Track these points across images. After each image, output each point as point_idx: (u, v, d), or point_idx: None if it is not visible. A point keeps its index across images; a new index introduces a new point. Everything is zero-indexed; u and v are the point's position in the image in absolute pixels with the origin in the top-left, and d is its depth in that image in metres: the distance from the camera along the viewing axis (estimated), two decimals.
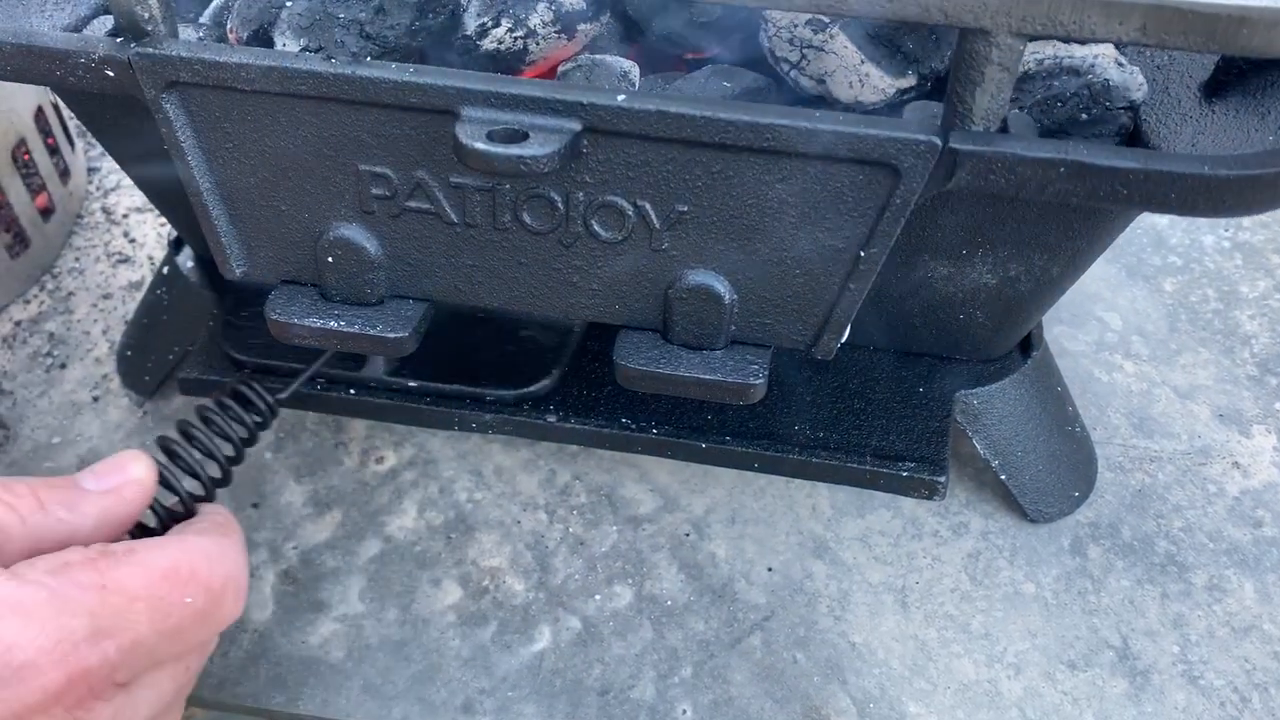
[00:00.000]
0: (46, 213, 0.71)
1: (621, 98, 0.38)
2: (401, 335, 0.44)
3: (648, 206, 0.41)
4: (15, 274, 0.69)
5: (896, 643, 0.54)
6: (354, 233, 0.43)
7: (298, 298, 0.45)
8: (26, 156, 0.69)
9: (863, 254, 0.40)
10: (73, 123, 0.77)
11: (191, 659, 0.41)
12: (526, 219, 0.42)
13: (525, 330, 0.56)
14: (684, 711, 0.52)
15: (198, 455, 0.48)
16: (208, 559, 0.40)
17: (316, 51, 0.43)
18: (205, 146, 0.42)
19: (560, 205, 0.41)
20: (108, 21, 0.44)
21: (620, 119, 0.38)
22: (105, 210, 0.75)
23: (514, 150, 0.37)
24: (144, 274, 0.71)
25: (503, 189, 0.41)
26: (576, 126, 0.39)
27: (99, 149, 0.80)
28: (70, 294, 0.70)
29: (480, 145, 0.37)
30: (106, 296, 0.70)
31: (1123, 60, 0.47)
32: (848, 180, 0.39)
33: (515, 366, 0.53)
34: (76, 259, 0.72)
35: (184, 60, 0.39)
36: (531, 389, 0.53)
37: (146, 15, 0.41)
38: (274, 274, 0.45)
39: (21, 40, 0.41)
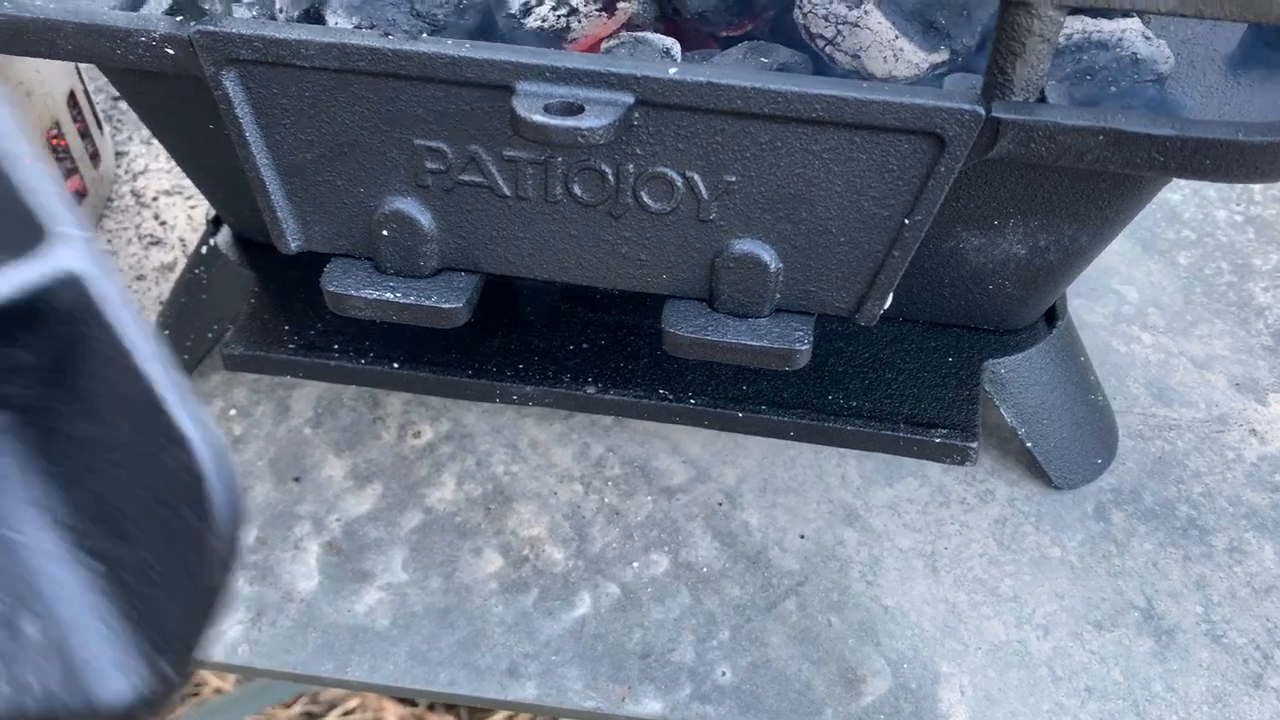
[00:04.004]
0: (79, 196, 0.72)
1: (674, 70, 0.39)
2: (455, 306, 0.45)
3: (696, 177, 0.42)
4: None
5: (928, 606, 0.55)
6: (408, 206, 0.44)
7: (353, 270, 0.46)
8: (60, 141, 0.70)
9: (907, 221, 0.41)
10: (101, 106, 0.78)
11: None
12: (577, 191, 0.43)
13: None
14: (723, 673, 0.53)
15: None
16: None
17: (369, 28, 0.44)
18: (263, 123, 0.43)
19: (610, 177, 0.42)
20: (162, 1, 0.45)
21: (672, 91, 0.40)
22: (135, 193, 0.76)
23: (570, 122, 0.38)
24: (175, 255, 0.72)
25: (554, 162, 0.42)
26: (629, 99, 0.40)
27: (125, 133, 0.80)
28: None
29: (538, 118, 0.38)
30: (140, 278, 0.71)
31: (1149, 34, 0.48)
32: (893, 149, 0.40)
33: None
34: (108, 241, 0.73)
35: (244, 37, 0.41)
36: None
37: None
38: (329, 248, 0.46)
39: (83, 19, 0.42)
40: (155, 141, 0.80)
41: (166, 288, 0.69)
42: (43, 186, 0.20)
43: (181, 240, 0.73)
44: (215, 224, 0.61)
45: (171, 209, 0.75)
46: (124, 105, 0.83)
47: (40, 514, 0.20)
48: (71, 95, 0.71)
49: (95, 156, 0.74)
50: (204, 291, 0.61)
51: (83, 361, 0.19)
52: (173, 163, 0.78)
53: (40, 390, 0.20)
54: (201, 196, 0.75)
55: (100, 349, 0.19)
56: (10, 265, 0.18)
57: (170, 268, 0.71)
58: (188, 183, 0.77)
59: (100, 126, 0.76)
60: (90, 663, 0.19)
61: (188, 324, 0.62)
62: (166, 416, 0.18)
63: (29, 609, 0.19)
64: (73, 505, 0.20)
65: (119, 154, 0.79)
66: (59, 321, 0.19)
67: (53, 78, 0.68)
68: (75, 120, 0.72)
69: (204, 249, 0.61)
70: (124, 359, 0.18)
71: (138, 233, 0.73)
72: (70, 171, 0.71)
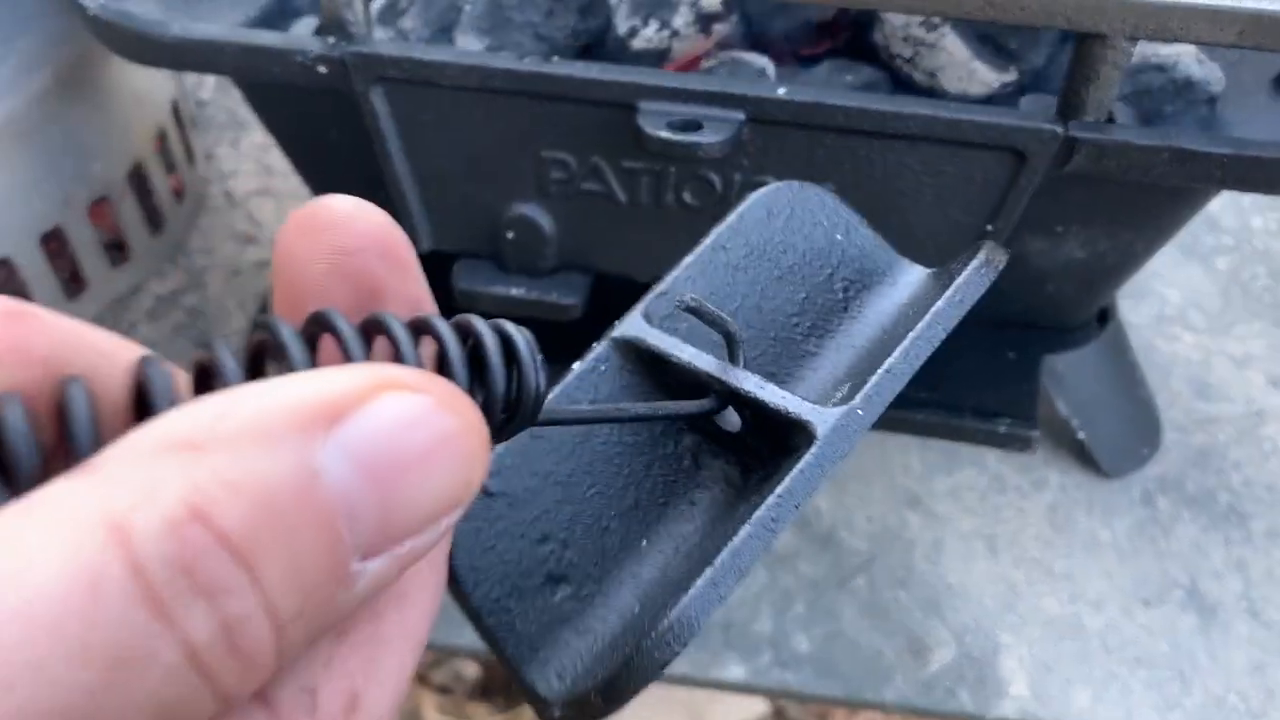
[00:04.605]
0: (178, 194, 0.76)
1: (782, 90, 0.44)
2: (573, 302, 0.49)
3: None
4: (153, 251, 0.74)
5: (988, 583, 0.60)
6: (532, 211, 0.48)
7: (479, 269, 0.50)
8: (160, 145, 0.74)
9: (989, 228, 0.46)
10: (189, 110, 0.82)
11: None
12: (687, 198, 0.47)
13: None
14: (801, 642, 0.57)
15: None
16: None
17: (498, 50, 0.49)
18: (404, 135, 0.47)
19: (718, 185, 0.47)
20: (279, 20, 0.50)
21: (781, 110, 0.44)
22: (226, 193, 0.81)
23: (692, 138, 0.43)
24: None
25: (668, 172, 0.47)
26: (741, 116, 0.44)
27: (212, 135, 0.85)
28: (203, 270, 0.75)
29: (663, 134, 0.43)
30: (236, 273, 0.75)
31: (1202, 57, 0.52)
32: (978, 163, 0.44)
33: None
34: (204, 239, 0.77)
35: (394, 59, 0.45)
36: None
37: (353, 18, 0.46)
38: (457, 247, 0.50)
39: (244, 40, 0.46)
40: (241, 144, 0.85)
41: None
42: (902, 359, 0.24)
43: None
44: None
45: (262, 209, 0.79)
46: (210, 111, 0.88)
47: (669, 546, 0.24)
48: (174, 102, 0.75)
49: (190, 156, 0.79)
50: None
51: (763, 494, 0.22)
52: (259, 164, 0.83)
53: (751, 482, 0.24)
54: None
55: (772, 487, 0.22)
56: (803, 397, 0.23)
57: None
58: (275, 183, 0.81)
59: (193, 129, 0.80)
60: (558, 654, 0.22)
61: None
62: (711, 562, 0.20)
63: (584, 586, 0.22)
64: (663, 561, 0.23)
65: (208, 155, 0.83)
66: (789, 450, 0.22)
67: (161, 86, 0.72)
68: (178, 124, 0.77)
69: None
70: (755, 506, 0.21)
71: (232, 231, 0.78)
72: (170, 171, 0.75)
